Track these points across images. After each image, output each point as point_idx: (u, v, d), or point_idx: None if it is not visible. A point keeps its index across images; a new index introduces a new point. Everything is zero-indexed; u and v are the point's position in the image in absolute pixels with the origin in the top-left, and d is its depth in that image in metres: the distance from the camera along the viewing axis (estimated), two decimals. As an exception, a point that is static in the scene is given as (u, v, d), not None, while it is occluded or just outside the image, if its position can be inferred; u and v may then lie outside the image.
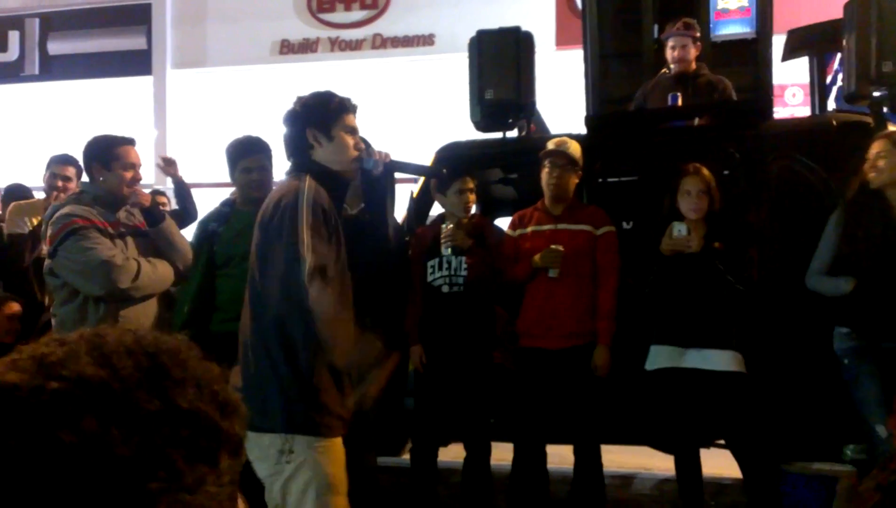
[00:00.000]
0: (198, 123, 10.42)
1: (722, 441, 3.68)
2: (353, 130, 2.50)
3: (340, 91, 2.55)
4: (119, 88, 10.76)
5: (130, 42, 10.77)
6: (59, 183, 4.16)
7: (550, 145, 3.68)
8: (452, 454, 4.02)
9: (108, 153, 3.13)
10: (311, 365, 2.29)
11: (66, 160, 4.23)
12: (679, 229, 3.39)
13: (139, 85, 10.73)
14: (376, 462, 3.85)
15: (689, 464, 3.46)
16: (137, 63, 10.74)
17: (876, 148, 3.39)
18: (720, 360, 3.35)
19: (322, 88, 2.55)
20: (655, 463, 4.57)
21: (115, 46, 10.76)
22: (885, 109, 3.83)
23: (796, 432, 3.67)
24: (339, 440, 2.35)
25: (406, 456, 3.94)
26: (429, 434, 3.77)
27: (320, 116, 2.45)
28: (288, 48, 10.37)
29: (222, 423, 0.54)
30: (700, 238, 3.39)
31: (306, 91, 2.55)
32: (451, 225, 3.63)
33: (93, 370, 0.51)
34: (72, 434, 0.48)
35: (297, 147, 2.47)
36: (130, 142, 3.22)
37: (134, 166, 3.18)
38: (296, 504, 2.26)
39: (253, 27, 10.33)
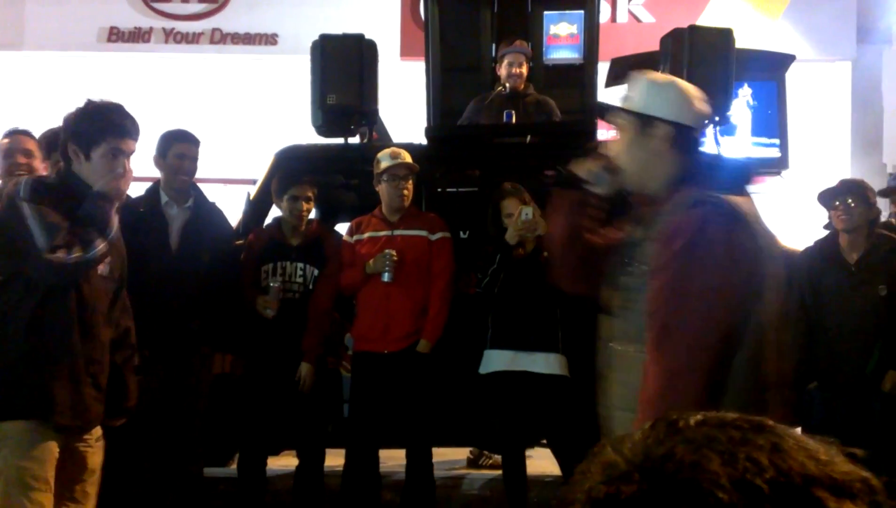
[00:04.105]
0: (12, 111, 9.56)
1: (545, 441, 3.90)
2: (117, 154, 2.42)
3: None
4: (-82, 67, 9.66)
5: (-68, 15, 9.69)
6: None
7: (385, 160, 3.70)
8: (283, 461, 3.96)
9: None
10: None
11: None
12: (526, 212, 3.55)
13: (-58, 64, 9.69)
14: (203, 472, 3.71)
15: (515, 463, 3.63)
16: (-60, 39, 9.69)
17: None
18: (546, 363, 3.55)
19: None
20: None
21: (-86, 19, 9.64)
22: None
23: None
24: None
25: (233, 466, 3.84)
26: (257, 444, 3.70)
27: (84, 134, 2.41)
28: (117, 35, 9.76)
29: None
30: (543, 225, 3.56)
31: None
32: (270, 293, 3.59)
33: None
34: None
35: (62, 154, 2.47)
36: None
37: None
38: None
39: (77, 10, 9.62)
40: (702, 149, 1.93)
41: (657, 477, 0.49)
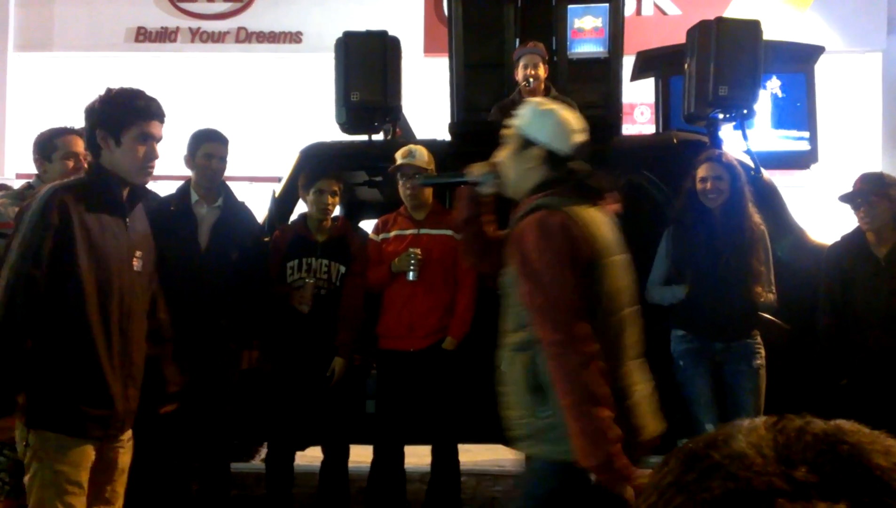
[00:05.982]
0: (42, 111, 9.72)
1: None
2: (147, 138, 2.38)
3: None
4: (-50, 68, 9.86)
5: (-35, 18, 9.88)
6: None
7: (399, 158, 3.72)
8: (309, 457, 3.99)
9: (48, 144, 3.11)
10: None
11: None
12: None
13: (-26, 65, 9.88)
14: (230, 467, 3.75)
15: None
16: (-27, 41, 9.88)
17: (707, 171, 3.63)
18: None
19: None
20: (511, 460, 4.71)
21: (-53, 22, 9.84)
22: (719, 130, 4.19)
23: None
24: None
25: (259, 461, 3.87)
26: (286, 439, 3.73)
27: (111, 119, 2.35)
28: (144, 35, 9.89)
29: None
30: None
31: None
32: (304, 288, 3.62)
33: None
34: None
35: (89, 146, 2.42)
36: (73, 131, 3.14)
37: (76, 155, 3.10)
38: None
39: (105, 11, 9.77)
40: (574, 167, 2.21)
41: (824, 468, 0.49)
